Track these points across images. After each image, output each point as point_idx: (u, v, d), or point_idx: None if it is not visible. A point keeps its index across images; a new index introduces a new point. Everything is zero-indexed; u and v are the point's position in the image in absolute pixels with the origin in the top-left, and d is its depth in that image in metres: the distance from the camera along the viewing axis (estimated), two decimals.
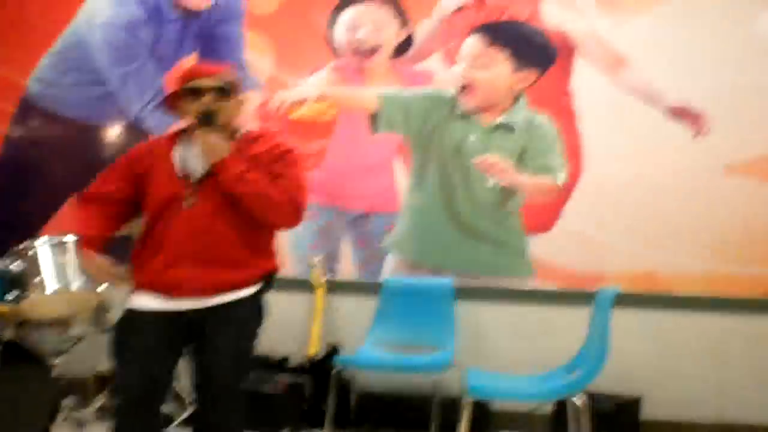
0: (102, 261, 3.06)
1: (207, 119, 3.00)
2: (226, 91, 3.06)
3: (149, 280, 3.01)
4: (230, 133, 3.10)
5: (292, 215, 3.05)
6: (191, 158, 3.06)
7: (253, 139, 3.13)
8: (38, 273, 4.22)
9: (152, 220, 3.05)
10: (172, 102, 3.16)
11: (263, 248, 3.11)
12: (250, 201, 2.98)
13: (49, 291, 4.19)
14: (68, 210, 5.34)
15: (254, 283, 3.07)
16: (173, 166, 3.07)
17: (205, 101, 3.01)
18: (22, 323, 4.33)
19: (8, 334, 4.00)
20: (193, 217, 2.98)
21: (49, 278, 4.20)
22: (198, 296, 2.99)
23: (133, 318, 3.03)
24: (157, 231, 3.03)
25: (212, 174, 3.00)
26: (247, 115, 3.21)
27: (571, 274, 4.97)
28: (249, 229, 3.03)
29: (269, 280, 3.13)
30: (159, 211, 3.03)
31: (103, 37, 5.47)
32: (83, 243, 3.07)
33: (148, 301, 3.02)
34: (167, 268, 2.98)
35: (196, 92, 3.04)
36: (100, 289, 4.31)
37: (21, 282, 4.22)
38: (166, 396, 3.10)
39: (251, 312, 3.08)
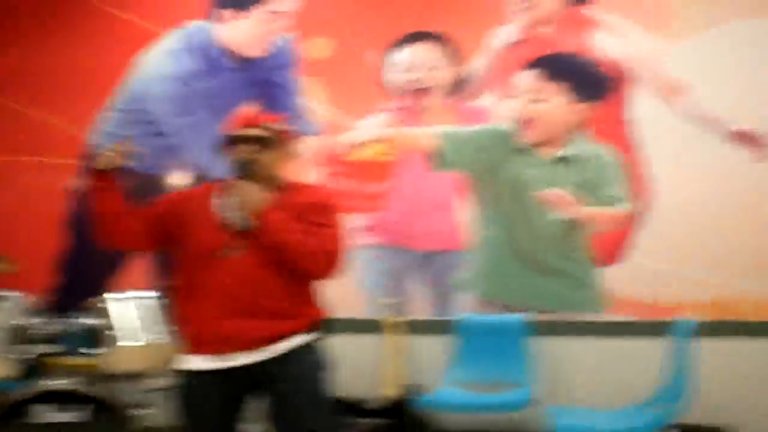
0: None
1: (243, 169, 3.02)
2: (266, 141, 3.06)
3: (197, 334, 3.00)
4: (272, 183, 3.08)
5: (326, 266, 3.02)
6: (231, 207, 3.05)
7: (296, 189, 3.13)
8: (113, 327, 4.24)
9: (192, 270, 3.04)
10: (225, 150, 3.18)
11: (306, 297, 3.09)
12: (286, 250, 2.96)
13: (128, 344, 4.19)
14: (139, 263, 5.42)
15: (303, 331, 3.04)
16: (214, 216, 3.06)
17: (242, 150, 3.03)
18: (102, 377, 4.35)
19: (90, 388, 3.99)
20: (236, 267, 2.97)
21: (123, 332, 4.21)
22: (248, 349, 2.96)
23: (189, 381, 3.04)
24: (198, 282, 3.01)
25: (253, 224, 2.99)
26: (299, 166, 3.18)
27: (647, 304, 4.93)
28: (295, 278, 3.02)
29: (319, 327, 3.11)
30: (200, 261, 3.02)
31: (161, 89, 5.52)
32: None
33: (200, 362, 3.01)
34: (213, 320, 2.96)
35: (235, 140, 3.07)
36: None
37: (97, 337, 4.23)
38: None
39: (309, 359, 3.04)
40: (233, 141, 3.08)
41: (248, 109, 3.31)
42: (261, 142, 3.06)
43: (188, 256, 3.06)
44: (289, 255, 2.97)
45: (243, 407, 3.09)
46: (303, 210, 3.04)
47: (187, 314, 3.05)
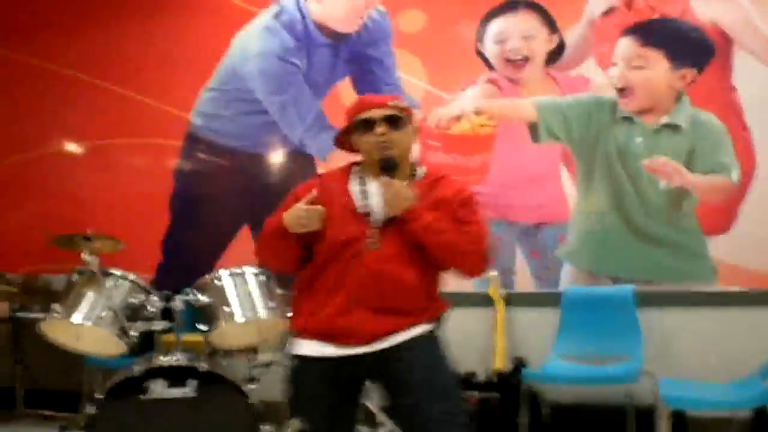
0: (298, 206, 2.88)
1: (389, 164, 2.87)
2: (398, 120, 2.92)
3: (317, 326, 2.88)
4: (408, 171, 2.96)
5: (480, 264, 2.92)
6: (372, 197, 2.92)
7: (433, 181, 2.98)
8: (225, 303, 4.27)
9: (326, 260, 2.90)
10: (343, 138, 3.03)
11: (435, 291, 2.99)
12: (439, 250, 2.85)
13: (238, 320, 4.24)
14: (243, 241, 5.50)
15: (425, 323, 2.92)
16: (351, 203, 2.92)
17: (378, 132, 2.87)
18: (214, 352, 4.42)
19: (203, 364, 4.06)
20: (375, 261, 2.83)
21: (236, 308, 4.25)
22: (370, 342, 2.84)
23: (303, 368, 2.91)
24: (331, 273, 2.88)
25: (396, 218, 2.85)
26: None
27: (755, 274, 4.79)
28: (430, 276, 2.92)
29: (441, 319, 3.00)
30: (335, 251, 2.88)
31: (258, 67, 5.57)
32: (273, 222, 2.96)
33: (317, 348, 2.89)
34: (341, 314, 2.84)
35: (368, 124, 2.90)
36: (286, 315, 4.35)
37: (209, 313, 4.29)
38: None
39: (432, 342, 2.91)
40: (365, 124, 2.90)
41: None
42: (393, 122, 2.90)
43: (323, 244, 2.90)
44: (442, 253, 2.85)
45: (356, 405, 2.96)
46: (450, 206, 2.90)
47: (310, 304, 2.92)
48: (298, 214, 2.86)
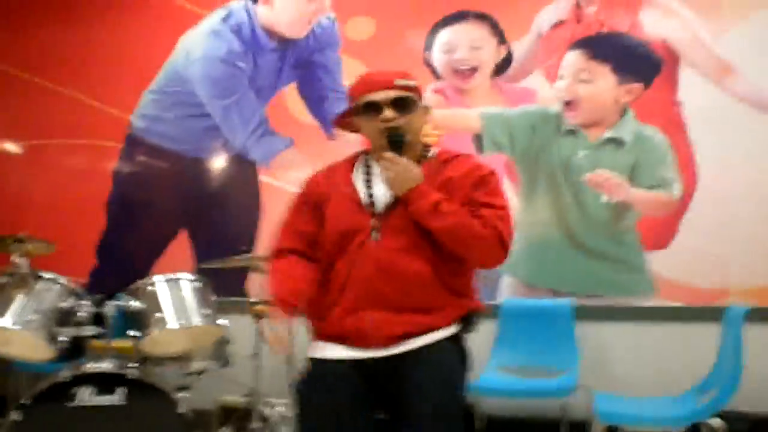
0: (283, 332, 2.58)
1: (396, 138, 2.61)
2: (406, 101, 2.65)
3: (330, 328, 2.65)
4: (419, 152, 2.70)
5: (499, 251, 2.60)
6: (376, 184, 2.68)
7: (445, 160, 2.71)
8: (158, 310, 4.21)
9: (331, 256, 2.66)
10: (346, 120, 2.79)
11: (463, 287, 2.68)
12: (449, 236, 2.56)
13: (170, 327, 4.17)
14: (181, 246, 5.44)
15: (449, 325, 2.62)
16: (355, 193, 2.68)
17: (384, 117, 2.61)
18: (145, 359, 4.34)
19: (133, 371, 3.99)
20: (380, 253, 2.58)
21: (169, 314, 4.19)
22: (386, 345, 2.57)
23: (318, 370, 2.64)
24: (337, 269, 2.64)
25: (402, 203, 2.60)
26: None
27: (694, 290, 4.82)
28: (447, 266, 2.61)
29: (469, 320, 2.69)
30: (339, 245, 2.64)
31: (202, 70, 5.52)
32: (276, 301, 2.62)
33: (332, 350, 2.64)
34: (350, 313, 2.59)
35: (374, 108, 2.63)
36: (220, 323, 4.30)
37: (142, 319, 4.22)
38: None
39: (451, 355, 2.60)
40: (370, 108, 2.64)
41: (377, 71, 2.77)
42: (401, 103, 2.64)
43: (327, 240, 2.67)
44: (452, 239, 2.56)
45: (372, 413, 2.63)
46: (460, 184, 2.63)
47: (319, 309, 2.67)
48: (271, 333, 2.60)
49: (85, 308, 4.20)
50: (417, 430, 2.50)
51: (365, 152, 2.81)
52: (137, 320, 4.23)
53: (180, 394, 4.20)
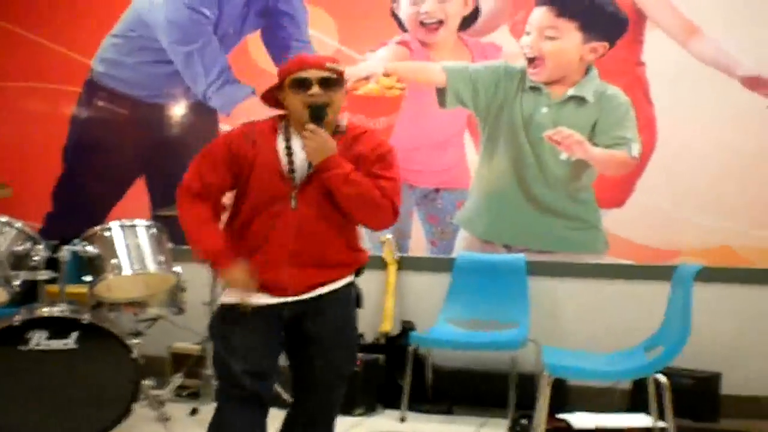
0: (240, 273, 2.90)
1: (320, 114, 2.88)
2: (333, 82, 2.93)
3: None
4: (333, 127, 2.97)
5: (391, 219, 2.98)
6: (296, 154, 2.94)
7: (356, 136, 3.00)
8: (114, 256, 4.22)
9: (251, 215, 2.95)
10: (271, 93, 3.03)
11: (356, 243, 3.06)
12: (354, 203, 2.91)
13: (125, 273, 4.19)
14: (138, 192, 5.42)
15: (349, 276, 3.04)
16: (277, 162, 2.95)
17: (312, 93, 2.88)
18: (99, 305, 4.36)
19: (86, 316, 4.01)
20: (297, 218, 2.90)
21: (124, 260, 4.20)
22: (297, 294, 2.94)
23: (233, 312, 2.94)
24: (256, 228, 2.94)
25: (317, 172, 2.91)
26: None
27: (646, 248, 4.87)
28: (348, 227, 2.99)
29: (361, 270, 3.10)
30: (260, 208, 2.93)
31: (165, 15, 5.46)
32: (218, 260, 2.94)
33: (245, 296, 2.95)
34: (268, 269, 2.90)
35: (303, 84, 2.90)
36: (175, 270, 4.32)
37: (97, 265, 4.23)
38: (273, 387, 3.06)
39: (348, 300, 3.05)
40: (300, 84, 2.90)
41: (308, 54, 3.13)
42: (328, 83, 2.91)
43: (250, 199, 2.96)
44: (357, 206, 2.91)
45: (280, 351, 3.03)
46: (369, 160, 2.95)
47: (242, 256, 2.93)
48: (234, 278, 2.90)
49: (39, 253, 4.21)
50: (320, 352, 2.97)
51: (283, 118, 3.04)
52: (92, 266, 4.24)
53: (133, 340, 4.24)
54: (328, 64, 2.95)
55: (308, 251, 2.92)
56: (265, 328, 2.95)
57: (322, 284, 2.96)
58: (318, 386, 3.03)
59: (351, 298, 3.07)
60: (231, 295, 2.96)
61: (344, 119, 3.04)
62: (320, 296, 2.96)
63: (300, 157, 2.94)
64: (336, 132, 2.98)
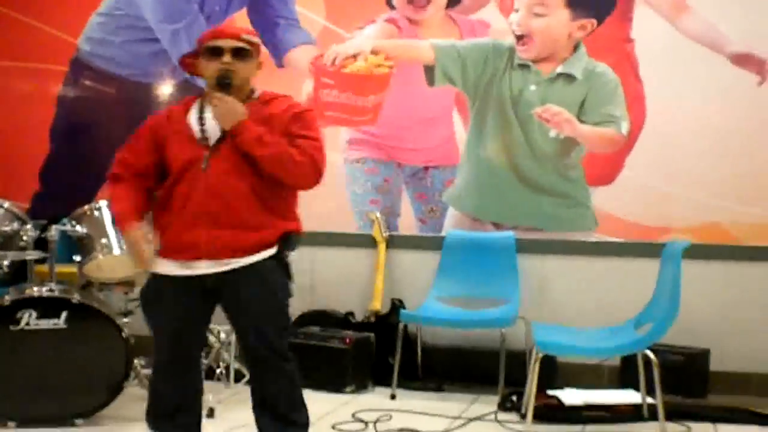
0: (138, 236, 3.05)
1: (224, 81, 3.02)
2: (245, 53, 3.07)
3: (168, 243, 3.05)
4: (245, 95, 3.10)
5: (313, 176, 3.06)
6: (208, 121, 3.07)
7: (266, 101, 3.13)
8: (103, 235, 4.22)
9: (172, 184, 3.08)
10: (191, 62, 3.20)
11: (283, 210, 3.11)
12: (271, 163, 3.00)
13: (115, 252, 4.19)
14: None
15: (272, 244, 3.07)
16: (189, 130, 3.08)
17: (224, 61, 3.03)
18: (89, 284, 4.35)
19: (76, 295, 4.00)
20: (210, 179, 3.00)
21: (114, 240, 4.20)
22: (213, 258, 3.02)
23: (156, 284, 3.11)
24: (176, 195, 3.06)
25: (229, 136, 3.02)
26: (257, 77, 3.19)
27: (635, 226, 4.88)
28: (268, 190, 3.05)
29: (289, 240, 3.12)
30: (178, 175, 3.06)
31: None
32: (120, 219, 3.15)
33: (168, 267, 3.06)
34: (185, 230, 3.01)
35: (216, 52, 3.05)
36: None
37: (86, 244, 4.22)
38: (199, 355, 3.27)
39: (272, 270, 3.07)
40: (213, 52, 3.06)
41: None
42: (240, 52, 3.07)
43: (169, 171, 3.10)
44: (274, 166, 3.00)
45: (205, 320, 3.20)
46: (279, 120, 3.07)
47: (162, 223, 3.09)
48: (130, 241, 3.08)
49: (28, 232, 4.20)
50: (249, 326, 3.06)
51: (201, 96, 3.19)
52: (81, 245, 4.24)
53: (123, 319, 4.25)
54: (243, 35, 3.09)
55: (221, 212, 2.99)
56: (184, 300, 3.06)
57: (239, 249, 3.01)
58: (256, 361, 3.11)
59: (275, 267, 3.08)
60: (156, 264, 3.08)
61: (258, 90, 3.17)
62: (241, 267, 3.02)
63: (212, 123, 3.06)
64: (247, 99, 3.09)
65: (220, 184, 3.00)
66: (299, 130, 3.07)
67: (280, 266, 3.10)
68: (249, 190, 3.02)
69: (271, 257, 3.07)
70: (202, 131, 3.07)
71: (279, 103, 3.14)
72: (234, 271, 3.03)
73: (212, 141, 3.05)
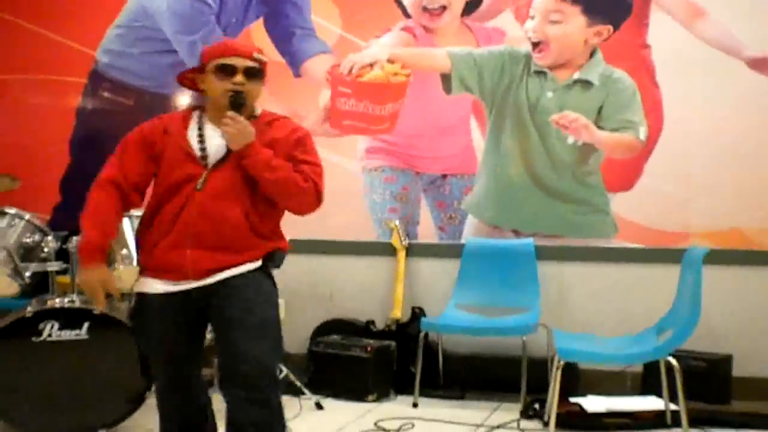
0: (93, 277, 2.92)
1: (239, 101, 2.93)
2: (257, 72, 2.99)
3: (154, 262, 2.97)
4: (249, 114, 3.02)
5: (315, 203, 3.02)
6: (210, 138, 2.98)
7: (268, 122, 3.06)
8: (124, 246, 4.24)
9: (162, 200, 2.98)
10: (192, 76, 3.08)
11: (270, 231, 3.04)
12: (276, 187, 2.95)
13: (135, 263, 4.19)
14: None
15: (257, 260, 2.99)
16: (188, 147, 2.98)
17: (236, 81, 2.93)
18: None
19: (95, 306, 4.01)
20: (203, 199, 2.91)
21: (134, 251, 4.21)
22: (200, 278, 2.94)
23: (144, 303, 3.02)
24: (166, 212, 2.95)
25: (230, 157, 2.94)
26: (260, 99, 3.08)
27: (655, 232, 4.87)
28: (258, 215, 2.98)
29: (273, 257, 3.04)
30: (170, 192, 2.96)
31: (168, 5, 5.44)
32: (87, 247, 2.95)
33: (154, 285, 2.98)
34: (173, 249, 2.92)
35: (228, 70, 2.95)
36: None
37: (107, 255, 4.21)
38: (199, 371, 3.13)
39: (257, 281, 2.98)
40: (224, 70, 2.96)
41: (233, 41, 3.21)
42: (253, 73, 2.98)
43: (160, 186, 3.01)
44: (279, 190, 2.95)
45: (199, 337, 3.09)
46: (284, 146, 3.00)
47: (148, 241, 3.01)
48: (84, 279, 2.94)
49: (49, 244, 4.22)
50: (235, 339, 2.89)
51: (197, 109, 3.09)
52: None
53: None
54: (255, 54, 3.00)
55: (211, 233, 2.91)
56: (174, 318, 2.97)
57: (225, 268, 2.93)
58: (241, 377, 2.87)
59: (261, 281, 3.00)
60: (140, 284, 3.02)
61: (258, 108, 3.09)
62: (225, 279, 2.94)
63: (214, 142, 2.97)
64: (251, 118, 3.02)
65: (214, 206, 2.92)
66: (301, 154, 3.02)
67: (261, 275, 3.01)
68: (242, 215, 2.94)
69: (256, 269, 2.99)
70: (202, 149, 2.98)
71: (281, 126, 3.07)
72: (218, 283, 2.94)
73: (212, 160, 2.97)
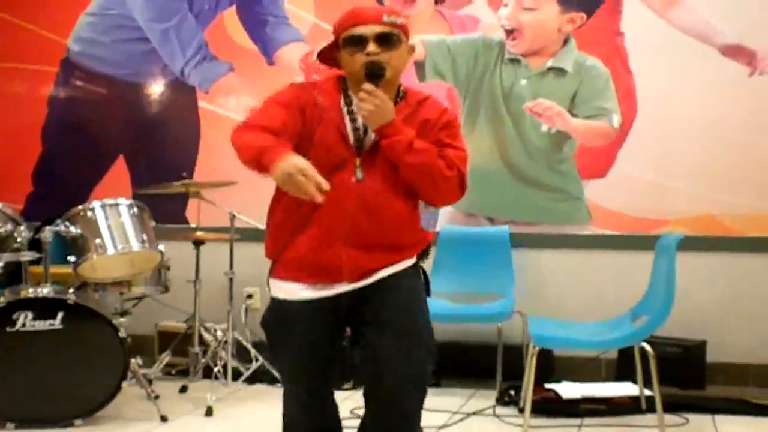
0: (294, 164, 2.41)
1: (378, 72, 2.54)
2: (392, 38, 2.58)
3: (298, 262, 2.62)
4: (395, 91, 2.65)
5: (458, 192, 2.66)
6: (359, 118, 2.61)
7: (420, 101, 2.69)
8: (97, 235, 4.19)
9: None
10: (329, 53, 2.69)
11: (417, 222, 2.73)
12: (418, 173, 2.58)
13: (109, 252, 4.16)
14: (119, 172, 5.39)
15: (413, 257, 2.70)
16: (342, 125, 2.61)
17: (369, 51, 2.54)
18: (84, 285, 4.33)
19: (71, 296, 3.98)
20: (364, 191, 2.57)
21: (108, 240, 4.17)
22: (355, 281, 2.61)
23: (285, 310, 2.67)
24: (308, 203, 2.49)
25: (379, 139, 2.58)
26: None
27: (630, 218, 4.90)
28: (414, 207, 2.68)
29: (425, 252, 2.76)
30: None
31: None
32: (264, 153, 2.47)
33: (298, 291, 2.63)
34: (323, 247, 2.59)
35: (358, 41, 2.57)
36: (159, 248, 4.29)
37: (80, 245, 4.19)
38: (335, 379, 2.82)
39: (412, 280, 2.68)
40: (354, 42, 2.58)
41: (362, 6, 2.68)
42: (387, 40, 2.57)
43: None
44: (422, 177, 2.59)
45: (341, 342, 2.77)
46: (433, 128, 2.64)
47: (286, 236, 2.64)
48: (295, 180, 2.40)
49: (22, 234, 4.17)
50: (386, 341, 2.56)
51: (343, 79, 2.71)
52: (76, 246, 4.21)
53: (120, 319, 4.23)
54: (385, 17, 2.59)
55: (372, 230, 2.59)
56: (320, 325, 2.64)
57: (381, 270, 2.61)
58: (386, 389, 2.58)
59: (418, 278, 2.71)
60: (279, 288, 2.68)
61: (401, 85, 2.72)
62: (380, 280, 2.61)
63: (361, 122, 2.61)
64: (398, 96, 2.66)
65: (376, 202, 2.57)
66: (447, 138, 2.65)
67: (417, 275, 2.71)
68: (404, 209, 2.63)
69: (410, 267, 2.68)
70: (356, 130, 2.61)
71: (432, 106, 2.69)
72: (370, 286, 2.61)
73: (366, 145, 2.60)
